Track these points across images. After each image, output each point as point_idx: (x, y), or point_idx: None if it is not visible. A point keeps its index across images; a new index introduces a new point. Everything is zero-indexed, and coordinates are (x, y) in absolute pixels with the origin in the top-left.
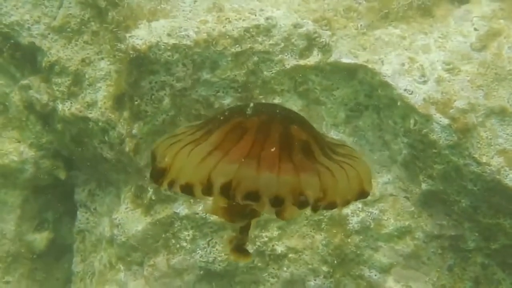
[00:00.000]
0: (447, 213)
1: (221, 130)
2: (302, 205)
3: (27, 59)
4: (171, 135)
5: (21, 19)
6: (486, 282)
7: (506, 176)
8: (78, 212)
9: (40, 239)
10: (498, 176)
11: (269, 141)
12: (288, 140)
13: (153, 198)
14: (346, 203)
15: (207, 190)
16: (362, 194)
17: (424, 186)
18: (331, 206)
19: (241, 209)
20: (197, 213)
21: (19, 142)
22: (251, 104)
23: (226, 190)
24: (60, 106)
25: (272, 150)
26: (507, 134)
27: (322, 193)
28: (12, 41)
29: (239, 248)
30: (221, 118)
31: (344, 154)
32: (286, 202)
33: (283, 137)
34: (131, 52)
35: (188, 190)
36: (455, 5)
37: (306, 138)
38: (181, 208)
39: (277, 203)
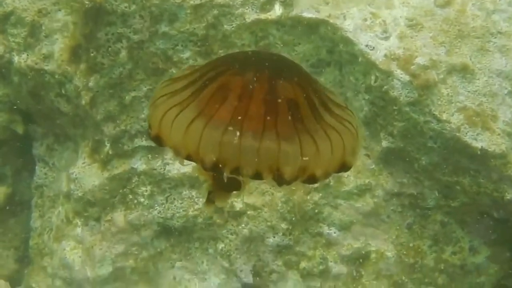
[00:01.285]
0: (407, 171)
1: (206, 90)
2: (279, 181)
3: None
4: (166, 86)
5: None
6: (445, 240)
7: (466, 133)
8: (36, 167)
9: None
10: (458, 134)
11: (254, 103)
12: (275, 100)
13: (110, 152)
14: (326, 176)
15: (202, 164)
16: (342, 167)
17: (384, 143)
18: (311, 181)
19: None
20: (155, 169)
21: None
22: (242, 55)
23: (215, 167)
24: (16, 58)
25: (258, 113)
26: (468, 91)
27: (301, 169)
28: None
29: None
30: (210, 71)
31: (338, 116)
32: (265, 177)
33: (270, 97)
34: (87, 2)
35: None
36: None
37: (296, 96)
38: (139, 164)
39: (258, 178)
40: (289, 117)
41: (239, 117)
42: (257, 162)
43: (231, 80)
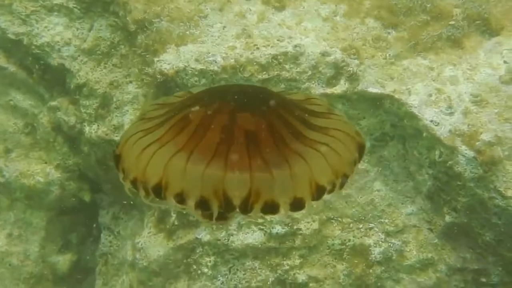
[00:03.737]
0: (470, 246)
1: (184, 128)
2: (320, 195)
3: (57, 80)
4: (137, 130)
5: (52, 40)
6: None
7: None
8: (101, 235)
9: (64, 261)
10: None
11: (261, 136)
12: (277, 127)
13: (176, 223)
14: (353, 169)
15: (227, 206)
16: (361, 150)
17: (448, 218)
18: (345, 180)
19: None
20: (219, 239)
21: (45, 163)
22: (215, 90)
23: (201, 205)
24: (87, 129)
25: (269, 145)
26: None
27: (334, 173)
28: (42, 62)
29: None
30: (185, 109)
31: (320, 113)
32: (306, 200)
33: (271, 128)
34: (158, 76)
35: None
36: (485, 37)
37: (288, 117)
38: (203, 234)
39: (298, 205)
40: (274, 146)
41: (224, 151)
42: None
43: (212, 113)
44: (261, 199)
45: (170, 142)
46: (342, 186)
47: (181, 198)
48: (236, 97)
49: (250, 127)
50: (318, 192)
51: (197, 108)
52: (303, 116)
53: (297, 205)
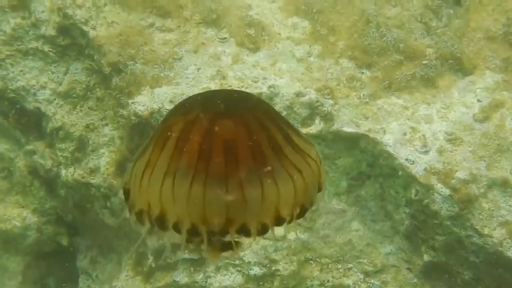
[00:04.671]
0: (450, 285)
1: (165, 144)
2: (278, 224)
3: (33, 124)
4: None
5: (28, 84)
6: None
7: (509, 248)
8: (79, 279)
9: None
10: (500, 248)
11: (240, 149)
12: (257, 139)
13: (153, 265)
14: (312, 204)
15: (211, 232)
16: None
17: (426, 257)
18: (302, 213)
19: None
20: (197, 282)
21: (22, 207)
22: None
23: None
24: (63, 172)
25: (247, 160)
26: (510, 205)
27: (295, 204)
28: (18, 106)
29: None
30: (166, 120)
31: (300, 138)
32: (269, 226)
33: (251, 139)
34: (133, 118)
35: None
36: (459, 76)
37: (271, 128)
38: (181, 276)
39: (264, 231)
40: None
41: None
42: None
43: (175, 122)
44: (236, 223)
45: (157, 163)
46: (298, 217)
47: (177, 228)
48: (218, 102)
49: (230, 136)
50: (277, 221)
51: (176, 118)
52: (287, 130)
53: (263, 230)
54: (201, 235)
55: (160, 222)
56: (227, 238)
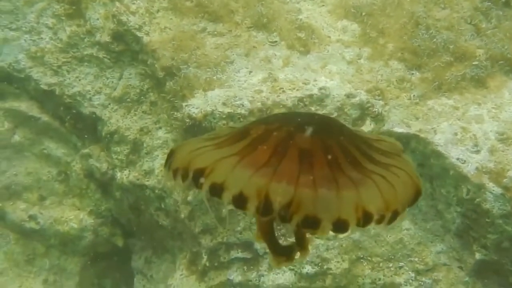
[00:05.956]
0: (501, 283)
1: (241, 139)
2: (366, 222)
3: (88, 128)
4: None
5: (83, 90)
6: None
7: None
8: (135, 279)
9: None
10: None
11: (316, 157)
12: (334, 152)
13: (207, 264)
14: (404, 209)
15: (265, 208)
16: (417, 195)
17: (478, 256)
18: (394, 216)
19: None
20: (250, 280)
21: (79, 209)
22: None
23: (284, 213)
24: (118, 174)
25: (322, 166)
26: None
27: (384, 205)
28: (74, 111)
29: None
30: (246, 127)
31: (386, 152)
32: (351, 223)
33: (327, 151)
34: (187, 120)
35: (241, 202)
36: (509, 76)
37: (348, 146)
38: (235, 275)
39: (341, 226)
40: (352, 164)
41: (307, 167)
42: (339, 209)
43: (254, 127)
44: (302, 211)
45: (226, 147)
46: (390, 222)
47: (219, 188)
48: (299, 119)
49: (306, 146)
50: (365, 218)
51: (257, 124)
52: (367, 150)
53: (340, 226)
54: (245, 206)
55: (197, 176)
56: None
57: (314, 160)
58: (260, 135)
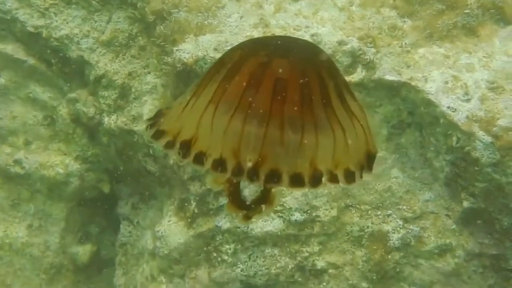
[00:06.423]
0: (488, 231)
1: (216, 73)
2: (316, 181)
3: (75, 72)
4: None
5: (71, 33)
6: None
7: None
8: (121, 225)
9: (83, 251)
10: None
11: (290, 90)
12: (310, 86)
13: (196, 211)
14: (360, 168)
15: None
16: (370, 158)
17: (465, 204)
18: (350, 175)
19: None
20: (239, 227)
21: (65, 154)
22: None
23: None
24: (106, 119)
25: (293, 102)
26: None
27: (335, 165)
28: (61, 54)
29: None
30: (231, 66)
31: (354, 101)
32: (305, 178)
33: (303, 85)
34: (178, 65)
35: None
36: (500, 25)
37: (327, 80)
38: (223, 222)
39: (297, 180)
40: (323, 104)
41: (279, 108)
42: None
43: (231, 54)
44: (268, 164)
45: (204, 91)
46: (348, 181)
47: (202, 157)
48: (279, 43)
49: (283, 76)
50: (314, 176)
51: (233, 51)
52: (342, 89)
53: (296, 180)
54: (227, 170)
55: (186, 148)
56: (255, 183)
57: (287, 94)
58: (235, 64)
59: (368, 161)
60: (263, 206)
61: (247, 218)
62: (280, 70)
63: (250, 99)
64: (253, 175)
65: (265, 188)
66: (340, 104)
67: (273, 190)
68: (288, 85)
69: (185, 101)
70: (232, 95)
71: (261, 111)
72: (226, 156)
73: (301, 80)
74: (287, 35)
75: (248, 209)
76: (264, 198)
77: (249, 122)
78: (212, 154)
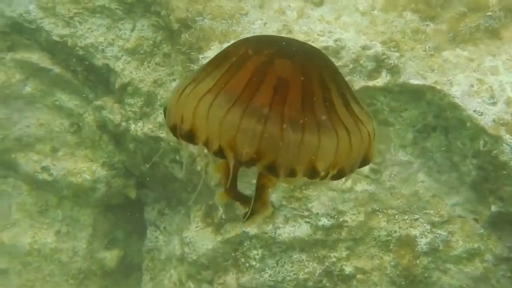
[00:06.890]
0: None
1: (220, 65)
2: (312, 176)
3: (101, 80)
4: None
5: (96, 41)
6: None
7: None
8: (147, 231)
9: (111, 257)
10: None
11: (291, 90)
12: (311, 87)
13: (223, 217)
14: (352, 171)
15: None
16: (364, 162)
17: (493, 208)
18: (339, 176)
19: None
20: (266, 233)
21: (91, 161)
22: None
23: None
24: (132, 126)
25: (294, 104)
26: None
27: (333, 165)
28: (86, 62)
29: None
30: (239, 60)
31: (359, 106)
32: (299, 174)
33: (305, 85)
34: None
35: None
36: None
37: (329, 83)
38: (251, 228)
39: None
40: (326, 105)
41: (279, 106)
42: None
43: (236, 48)
44: (266, 159)
45: (204, 80)
46: (333, 179)
47: (207, 145)
48: (284, 44)
49: (285, 75)
50: (311, 173)
51: (238, 46)
52: (344, 91)
53: (291, 174)
54: (228, 160)
55: (190, 139)
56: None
57: (289, 93)
58: (238, 59)
59: (361, 164)
60: (257, 204)
61: (247, 218)
62: (283, 70)
63: (250, 94)
64: (250, 166)
65: (258, 186)
66: (343, 108)
67: (269, 190)
68: (290, 85)
69: (183, 86)
70: (232, 88)
71: (260, 108)
72: (225, 147)
73: (303, 82)
74: (310, 40)
75: (241, 201)
76: (258, 197)
77: (246, 116)
78: (213, 144)
